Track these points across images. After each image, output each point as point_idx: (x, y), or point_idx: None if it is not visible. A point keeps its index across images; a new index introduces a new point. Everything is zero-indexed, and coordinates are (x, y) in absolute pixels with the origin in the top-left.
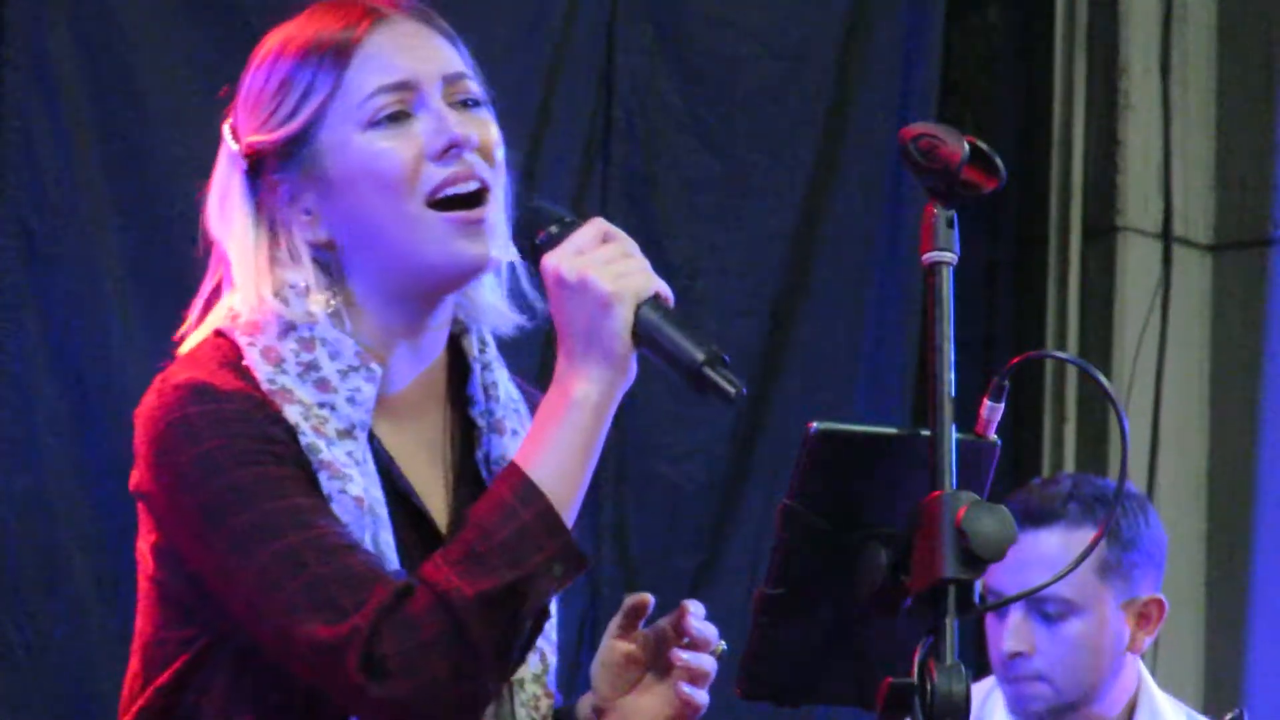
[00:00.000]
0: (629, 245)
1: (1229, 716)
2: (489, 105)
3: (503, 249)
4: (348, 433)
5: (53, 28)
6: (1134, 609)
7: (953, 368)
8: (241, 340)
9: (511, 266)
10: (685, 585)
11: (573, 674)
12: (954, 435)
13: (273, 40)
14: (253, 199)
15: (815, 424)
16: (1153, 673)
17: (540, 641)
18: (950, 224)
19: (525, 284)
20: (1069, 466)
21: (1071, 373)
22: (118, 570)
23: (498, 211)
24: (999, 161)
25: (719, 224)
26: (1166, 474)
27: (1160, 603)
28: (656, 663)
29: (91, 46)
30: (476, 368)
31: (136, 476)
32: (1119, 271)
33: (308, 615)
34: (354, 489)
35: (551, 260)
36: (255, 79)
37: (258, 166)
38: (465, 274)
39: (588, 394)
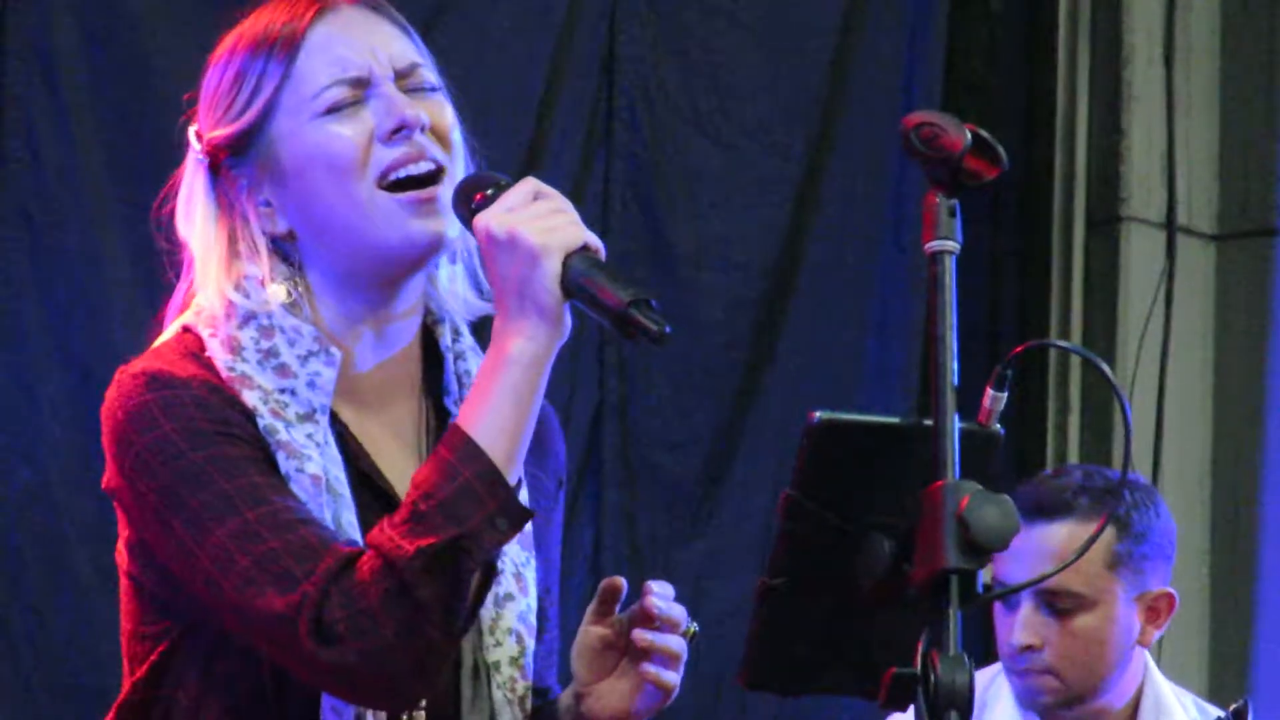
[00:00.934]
0: (560, 201)
1: (1234, 706)
2: (444, 91)
3: (460, 230)
4: (308, 416)
5: (55, 17)
6: (1144, 602)
7: (955, 357)
8: (204, 332)
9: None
10: (689, 575)
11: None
12: (957, 425)
13: (228, 38)
14: (214, 196)
15: (817, 413)
16: (1158, 662)
17: (516, 624)
18: (952, 213)
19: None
20: (1073, 456)
21: (1075, 362)
22: None
23: (448, 192)
24: (1001, 150)
25: (722, 214)
26: (1171, 463)
27: (1170, 596)
28: (631, 646)
29: (95, 35)
30: (449, 357)
31: (106, 474)
32: (1123, 261)
33: (261, 588)
34: (312, 468)
35: (482, 219)
36: (211, 77)
37: (217, 163)
38: (420, 254)
39: (523, 349)
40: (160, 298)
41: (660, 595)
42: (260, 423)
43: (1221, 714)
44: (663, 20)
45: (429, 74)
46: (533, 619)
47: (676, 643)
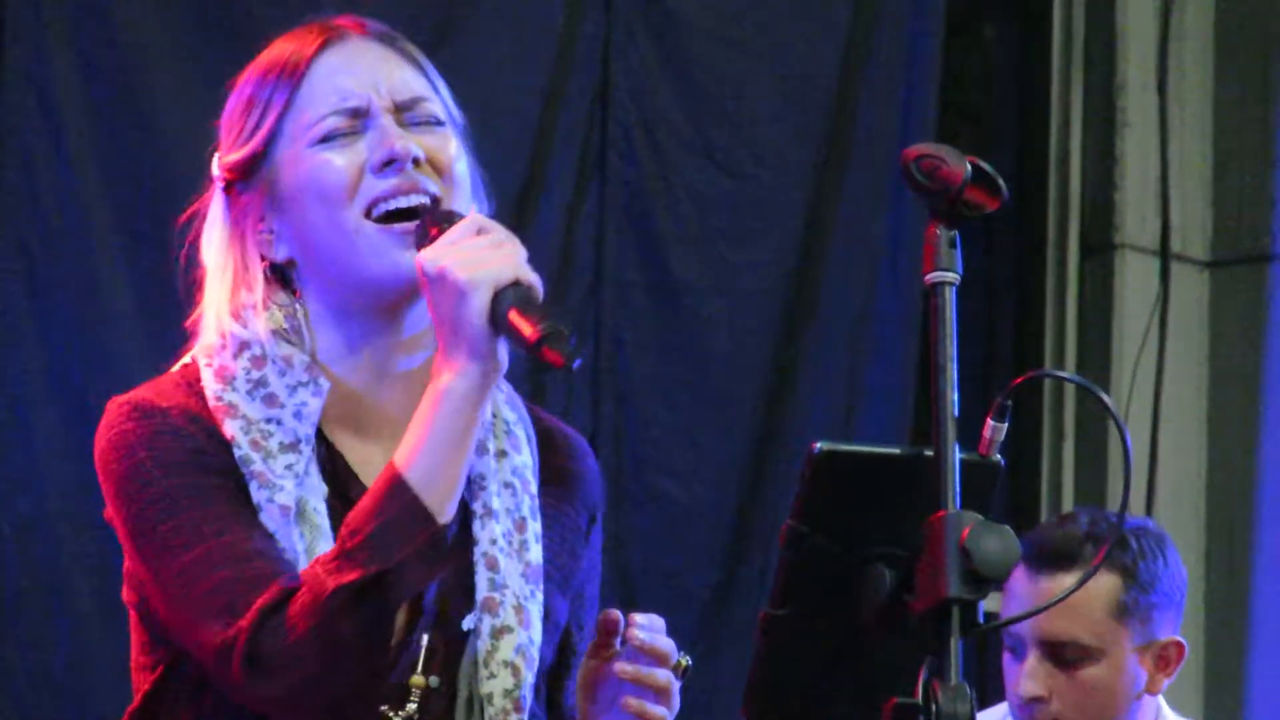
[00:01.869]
0: (501, 235)
1: None
2: (452, 124)
3: None
4: (292, 446)
5: (53, 49)
6: (1153, 651)
7: (956, 387)
8: (200, 361)
9: None
10: (697, 605)
11: None
12: (957, 455)
13: (250, 65)
14: (228, 220)
15: (818, 444)
16: None
17: (513, 657)
18: (953, 244)
19: None
20: (1068, 484)
21: (1070, 390)
22: (119, 594)
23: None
24: (1001, 182)
25: (723, 242)
26: (1165, 489)
27: (1180, 645)
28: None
29: (92, 67)
30: None
31: (106, 507)
32: (1117, 288)
33: (208, 619)
34: (283, 498)
35: (421, 255)
36: (228, 103)
37: (231, 188)
38: (405, 284)
39: (454, 386)
40: (157, 328)
41: (646, 628)
42: (237, 453)
43: None
44: (661, 49)
45: (434, 107)
46: (533, 652)
47: (662, 675)
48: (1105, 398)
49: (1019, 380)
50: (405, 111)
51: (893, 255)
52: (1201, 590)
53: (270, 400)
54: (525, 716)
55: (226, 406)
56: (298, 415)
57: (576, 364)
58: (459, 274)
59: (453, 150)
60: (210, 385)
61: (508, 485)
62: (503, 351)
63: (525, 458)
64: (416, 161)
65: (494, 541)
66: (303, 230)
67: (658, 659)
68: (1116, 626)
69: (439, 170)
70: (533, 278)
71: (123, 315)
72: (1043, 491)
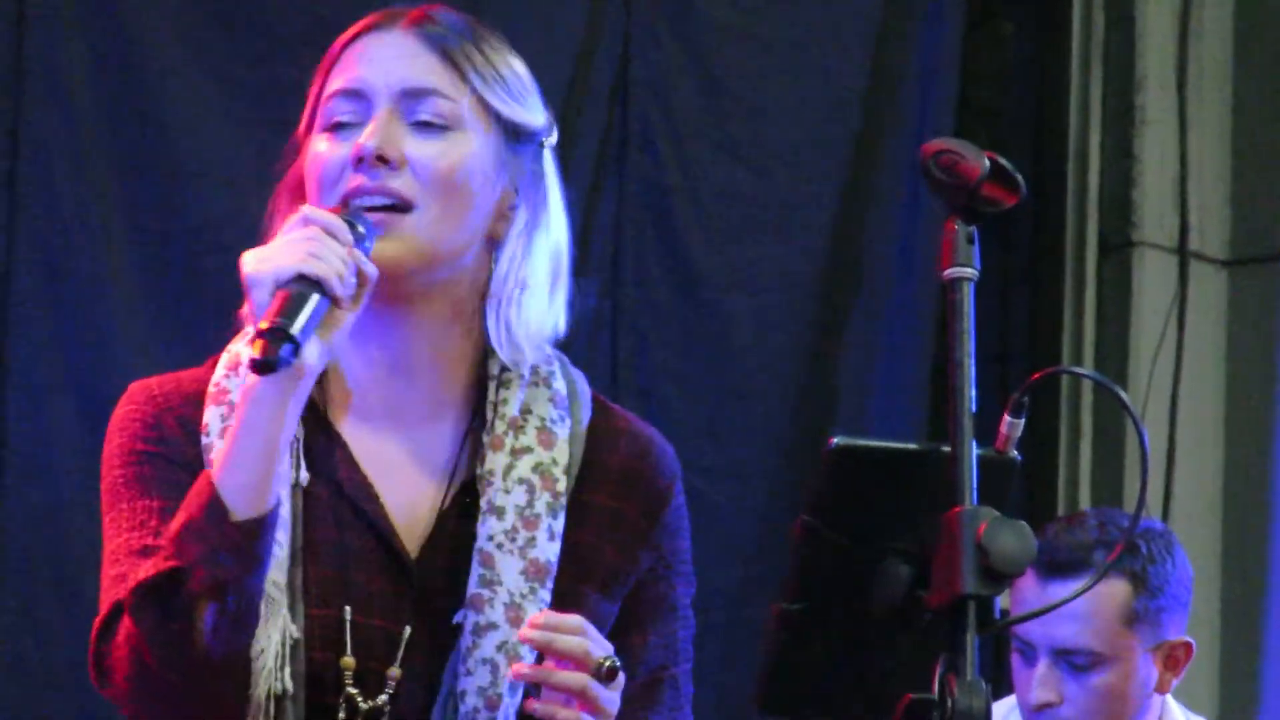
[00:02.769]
0: (309, 230)
1: None
2: (469, 126)
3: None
4: None
5: (70, 47)
6: (1162, 652)
7: (974, 384)
8: (232, 348)
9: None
10: (720, 601)
11: None
12: (974, 451)
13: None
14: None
15: (834, 439)
16: None
17: (494, 655)
18: (971, 240)
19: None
20: (1084, 481)
21: (1087, 388)
22: None
23: (425, 226)
24: (1019, 177)
25: (744, 237)
26: (1182, 489)
27: (1188, 645)
28: None
29: (110, 70)
30: (491, 386)
31: None
32: (1135, 287)
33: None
34: None
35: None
36: None
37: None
38: (365, 280)
39: (253, 387)
40: (170, 321)
41: (546, 626)
42: (203, 440)
43: None
44: (682, 44)
45: (446, 105)
46: (522, 651)
47: (570, 678)
48: (1123, 395)
49: (1037, 376)
50: (410, 104)
51: (909, 251)
52: (1217, 588)
53: None
54: (500, 715)
55: (219, 392)
56: None
57: (259, 359)
58: (245, 270)
59: (450, 157)
60: (218, 371)
61: (523, 482)
62: (306, 350)
63: (557, 455)
64: (385, 160)
65: (491, 538)
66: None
67: (570, 660)
68: (1128, 632)
69: (423, 175)
70: (324, 270)
71: (137, 308)
72: (1059, 488)
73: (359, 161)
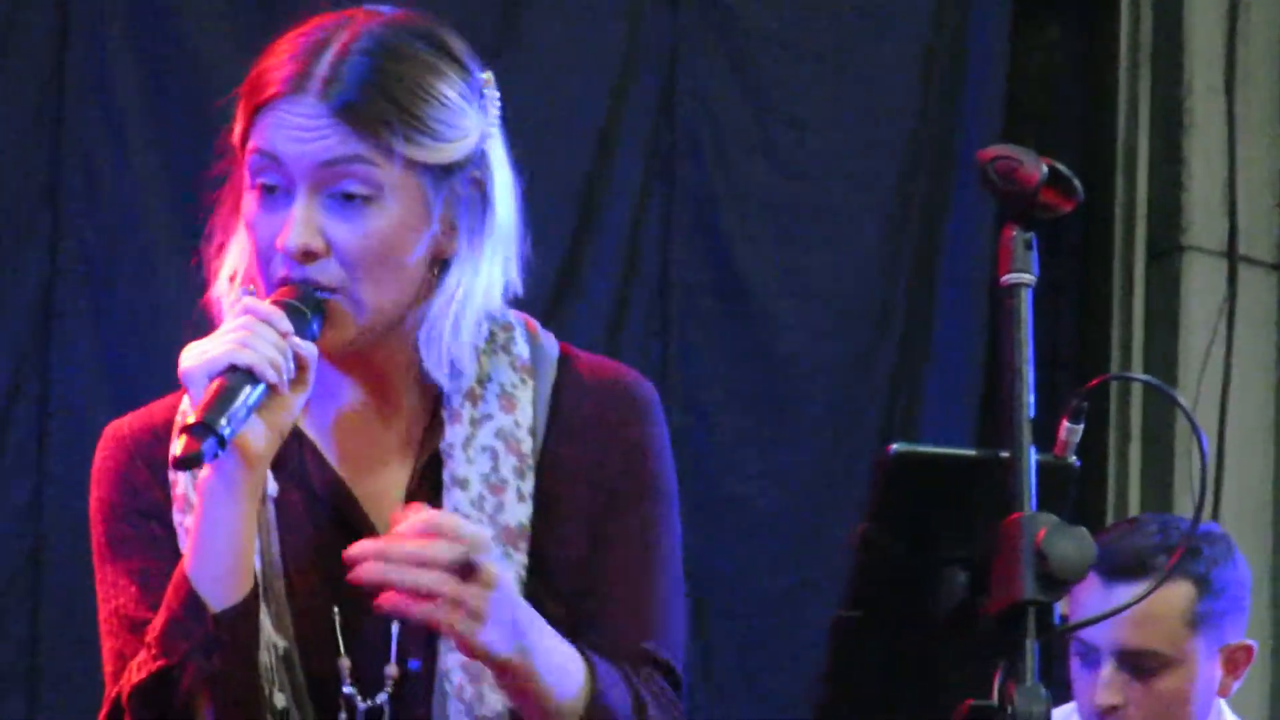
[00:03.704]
0: (245, 320)
1: None
2: (394, 185)
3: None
4: None
5: (114, 49)
6: (1224, 655)
7: (1032, 390)
8: None
9: None
10: (769, 608)
11: None
12: (1033, 457)
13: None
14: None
15: (893, 446)
16: None
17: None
18: (1029, 245)
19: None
20: (1134, 486)
21: (1136, 392)
22: None
23: (360, 305)
24: (1077, 183)
25: (791, 245)
26: (1231, 494)
27: (1249, 648)
28: None
29: (153, 66)
30: (447, 423)
31: None
32: (1183, 291)
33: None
34: (190, 521)
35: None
36: None
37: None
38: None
39: (207, 479)
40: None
41: (410, 527)
42: (170, 476)
43: None
44: (727, 52)
45: (365, 172)
46: None
47: (415, 578)
48: (1180, 400)
49: (1096, 381)
50: (328, 174)
51: (957, 257)
52: (1268, 592)
53: None
54: (486, 686)
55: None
56: None
57: (200, 464)
58: (181, 366)
59: (374, 233)
60: (185, 400)
61: (486, 449)
62: (247, 439)
63: (519, 416)
64: (309, 254)
65: (457, 509)
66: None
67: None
68: (1191, 635)
69: (347, 259)
70: (251, 359)
71: (181, 315)
72: (1109, 494)
73: (284, 254)
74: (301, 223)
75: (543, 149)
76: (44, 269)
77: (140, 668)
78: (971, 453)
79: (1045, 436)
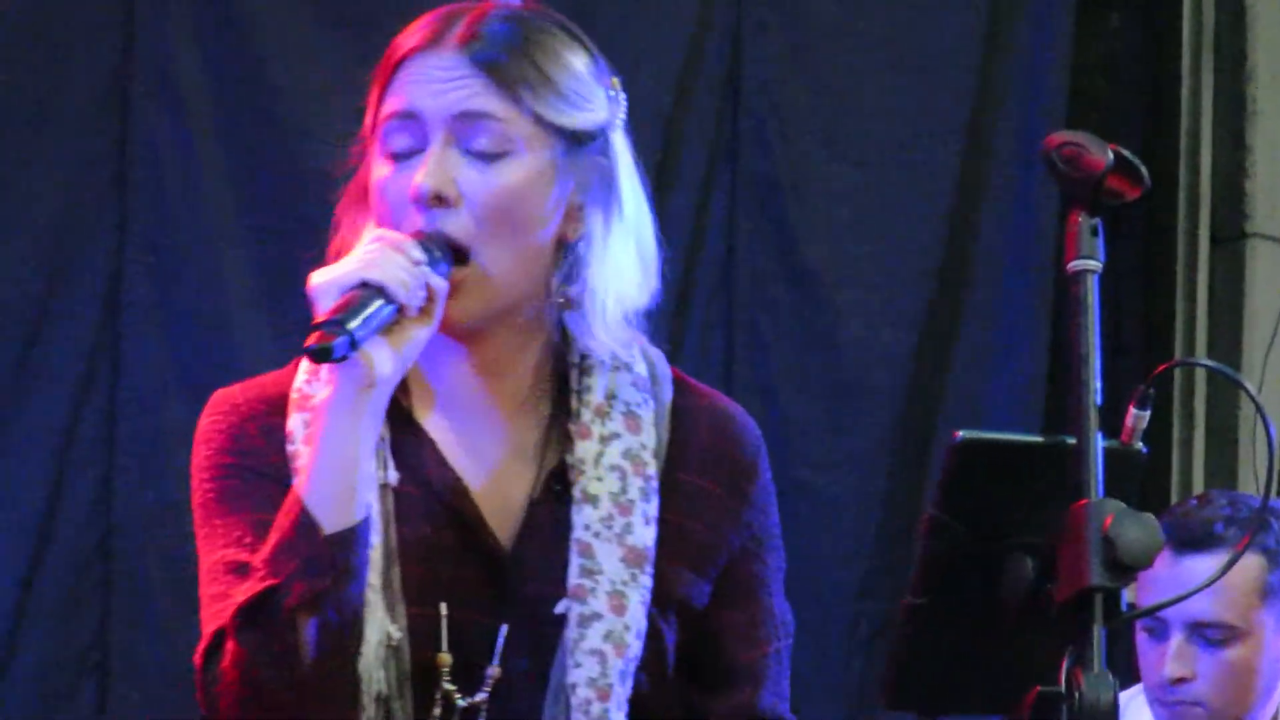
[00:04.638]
0: (377, 244)
1: None
2: (527, 145)
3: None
4: None
5: (180, 45)
6: None
7: (1099, 376)
8: None
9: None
10: (847, 595)
11: None
12: (1100, 443)
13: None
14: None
15: (960, 433)
16: None
17: (601, 644)
18: (1095, 232)
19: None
20: (1198, 472)
21: (1200, 379)
22: None
23: (488, 273)
24: (1143, 169)
25: (856, 232)
26: None
27: None
28: None
29: (219, 63)
30: (574, 374)
31: None
32: (1248, 278)
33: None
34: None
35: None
36: None
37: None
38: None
39: (327, 399)
40: (282, 322)
41: None
42: (289, 448)
43: None
44: (792, 41)
45: (500, 128)
46: (629, 638)
47: None
48: (1246, 385)
49: (1164, 367)
50: (464, 129)
51: (1021, 244)
52: None
53: None
54: (613, 705)
55: (301, 398)
56: None
57: (331, 357)
58: (311, 284)
59: (505, 186)
60: (299, 375)
61: (614, 468)
62: (373, 357)
63: (645, 438)
64: (441, 198)
65: (588, 527)
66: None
67: None
68: (1261, 607)
69: (479, 210)
70: (384, 275)
71: (248, 308)
72: (1173, 480)
73: (417, 200)
74: (436, 164)
75: None
76: (111, 261)
77: (248, 589)
78: (1038, 439)
79: (1110, 423)
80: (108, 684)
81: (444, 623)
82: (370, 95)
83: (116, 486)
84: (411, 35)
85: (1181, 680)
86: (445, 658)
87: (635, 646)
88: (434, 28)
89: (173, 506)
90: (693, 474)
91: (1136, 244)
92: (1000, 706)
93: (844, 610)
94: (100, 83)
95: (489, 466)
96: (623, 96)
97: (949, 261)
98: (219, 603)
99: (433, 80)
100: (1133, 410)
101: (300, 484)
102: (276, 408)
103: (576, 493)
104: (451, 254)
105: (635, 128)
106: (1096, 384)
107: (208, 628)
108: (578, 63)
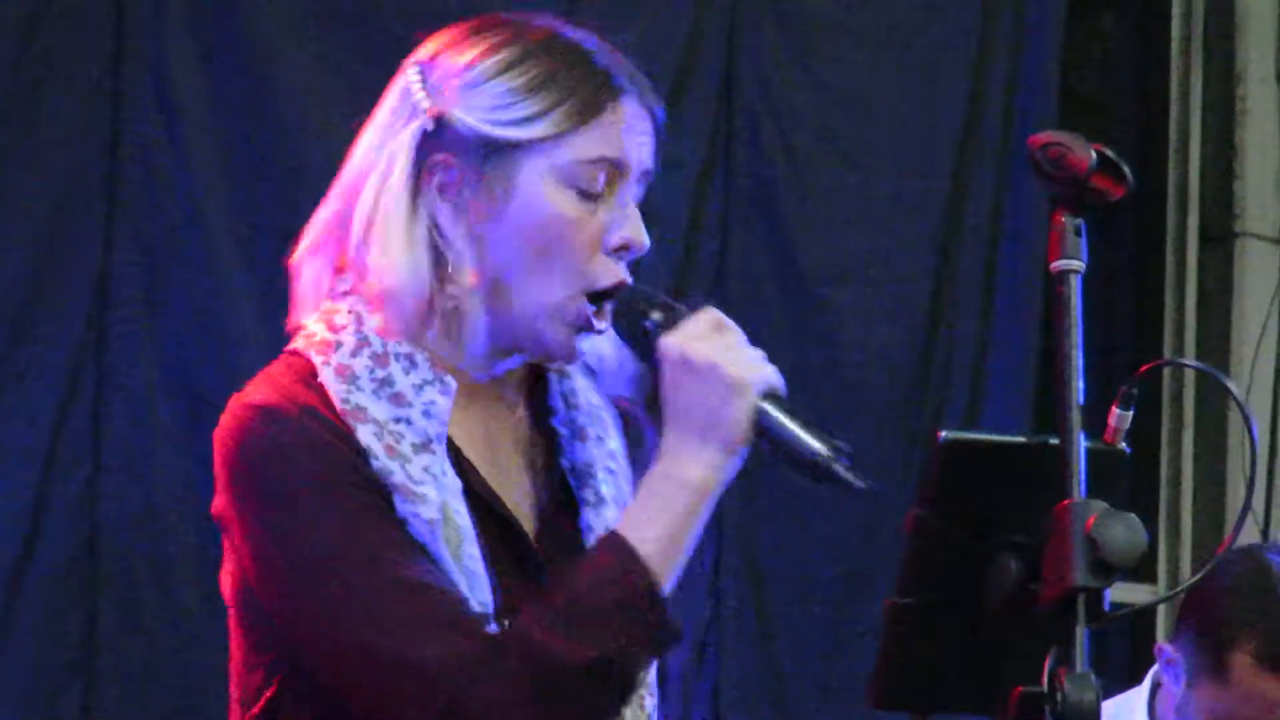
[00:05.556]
0: (742, 336)
1: None
2: None
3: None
4: (424, 446)
5: (172, 42)
6: None
7: (1082, 376)
8: (316, 359)
9: None
10: (828, 595)
11: (688, 690)
12: (1084, 443)
13: (527, 32)
14: (415, 168)
15: (945, 433)
16: None
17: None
18: (1078, 232)
19: None
20: (1187, 473)
21: (1189, 379)
22: None
23: None
24: (1126, 169)
25: (851, 232)
26: None
27: None
28: None
29: (212, 60)
30: (553, 377)
31: (216, 501)
32: (1237, 277)
33: (389, 650)
34: (428, 511)
35: (675, 342)
36: (496, 58)
37: (438, 137)
38: (560, 364)
39: (705, 479)
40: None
41: None
42: (374, 464)
43: None
44: (788, 40)
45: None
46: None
47: None
48: (1232, 387)
49: (1146, 367)
50: (639, 183)
51: (1013, 243)
52: None
53: (397, 399)
54: (652, 695)
55: (355, 410)
56: (426, 414)
57: (862, 486)
58: (733, 372)
59: None
60: (334, 386)
61: (610, 471)
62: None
63: (616, 443)
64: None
65: (609, 528)
66: (510, 256)
67: None
68: None
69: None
70: (783, 384)
71: (240, 308)
72: (1161, 480)
73: (620, 250)
74: (639, 219)
75: None
76: (101, 258)
77: (573, 641)
78: (1022, 439)
79: (1101, 423)
80: (95, 684)
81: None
82: (554, 108)
83: (103, 487)
84: (614, 67)
85: None
86: None
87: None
88: (623, 67)
89: (158, 508)
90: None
91: (1127, 243)
92: (986, 706)
93: (828, 610)
94: (91, 78)
95: (498, 470)
96: None
97: (941, 260)
98: (417, 622)
99: (639, 133)
100: (1116, 410)
101: (649, 550)
102: (330, 422)
103: (589, 495)
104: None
105: None
106: (1079, 383)
107: (412, 647)
108: None
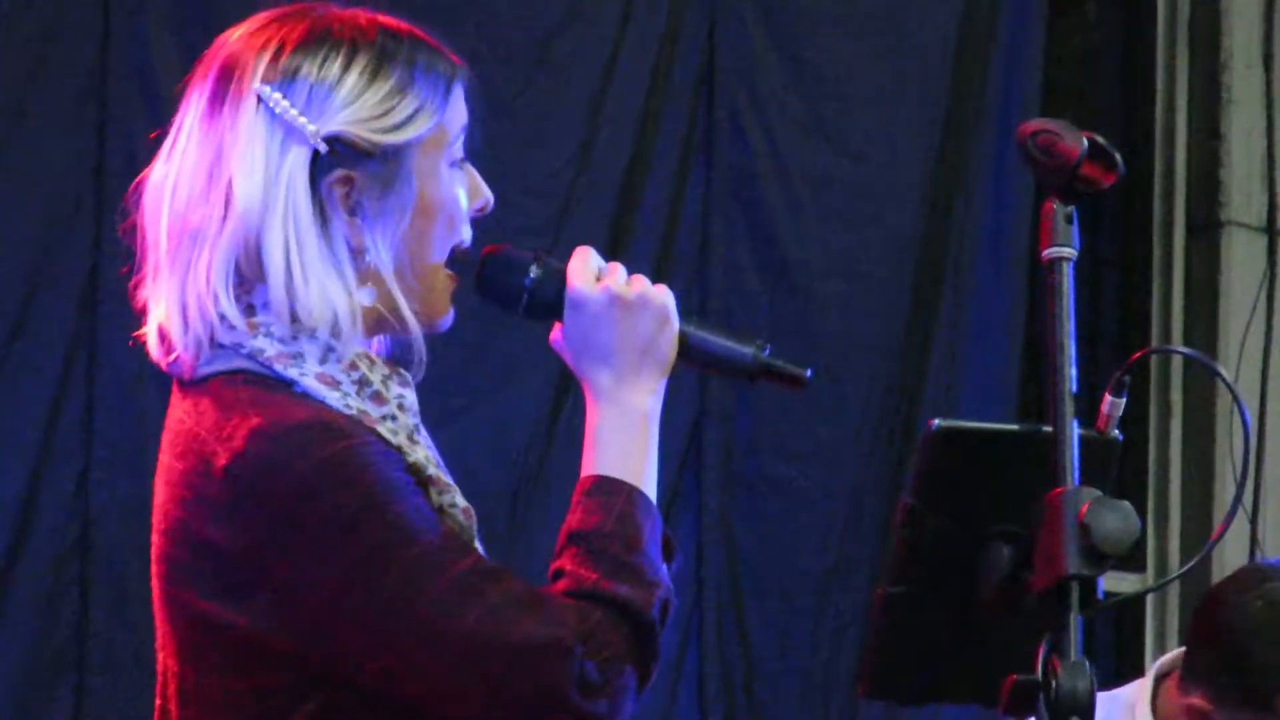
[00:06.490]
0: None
1: None
2: None
3: None
4: (411, 440)
5: (156, 34)
6: None
7: (1074, 364)
8: (287, 373)
9: None
10: (811, 588)
11: (674, 681)
12: (1076, 431)
13: (358, 31)
14: (312, 191)
15: (936, 421)
16: None
17: None
18: (1069, 220)
19: None
20: (1175, 461)
21: (1177, 367)
22: None
23: None
24: (1117, 156)
25: (835, 222)
26: (1273, 468)
27: None
28: None
29: (194, 53)
30: (416, 361)
31: (229, 535)
32: (1223, 265)
33: (513, 642)
34: (461, 500)
35: (595, 285)
36: (360, 67)
37: (329, 156)
38: (436, 331)
39: (654, 406)
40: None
41: None
42: (408, 459)
43: None
44: (767, 29)
45: None
46: None
47: None
48: (1222, 373)
49: (1139, 355)
50: None
51: (997, 234)
52: None
53: (378, 399)
54: None
55: (360, 414)
56: (401, 407)
57: (809, 373)
58: (658, 300)
59: None
60: (327, 393)
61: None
62: None
63: None
64: None
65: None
66: (417, 245)
67: None
68: None
69: None
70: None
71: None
72: (1150, 468)
73: (479, 211)
74: None
75: (589, 130)
76: (90, 252)
77: (641, 587)
78: (1014, 428)
79: (1087, 411)
80: (86, 677)
81: None
82: (425, 105)
83: (94, 481)
84: (435, 41)
85: None
86: None
87: None
88: (432, 36)
89: (150, 497)
90: None
91: (1113, 232)
92: (978, 695)
93: (811, 601)
94: (78, 72)
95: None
96: None
97: (925, 251)
98: (519, 605)
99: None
100: (1108, 398)
101: (649, 491)
102: (372, 431)
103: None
104: None
105: (609, 116)
106: (1071, 372)
107: (543, 621)
108: None
